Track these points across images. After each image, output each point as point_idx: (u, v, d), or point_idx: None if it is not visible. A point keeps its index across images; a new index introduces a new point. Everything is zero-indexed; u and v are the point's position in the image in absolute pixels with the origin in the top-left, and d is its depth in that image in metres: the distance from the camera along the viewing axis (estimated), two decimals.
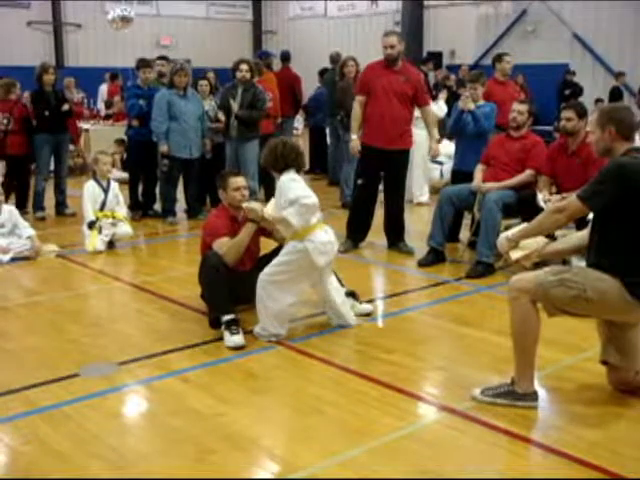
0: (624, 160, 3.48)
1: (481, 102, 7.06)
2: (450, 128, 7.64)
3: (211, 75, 9.66)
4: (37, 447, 3.30)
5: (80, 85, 14.85)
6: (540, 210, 5.80)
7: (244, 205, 4.86)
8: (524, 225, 4.02)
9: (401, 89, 6.66)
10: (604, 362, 3.81)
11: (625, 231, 3.44)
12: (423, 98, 6.91)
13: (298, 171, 4.65)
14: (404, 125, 6.79)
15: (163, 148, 8.08)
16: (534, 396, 3.64)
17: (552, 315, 3.59)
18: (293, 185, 4.50)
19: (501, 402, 3.64)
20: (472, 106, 6.93)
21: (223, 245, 4.81)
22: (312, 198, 4.47)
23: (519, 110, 6.41)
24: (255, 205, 4.84)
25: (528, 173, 6.31)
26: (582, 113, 5.93)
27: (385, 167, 6.87)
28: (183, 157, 8.19)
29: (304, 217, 4.44)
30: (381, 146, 6.68)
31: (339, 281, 4.93)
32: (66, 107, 8.60)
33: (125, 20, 15.35)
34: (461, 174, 7.02)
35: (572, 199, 3.57)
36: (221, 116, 8.41)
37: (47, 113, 8.42)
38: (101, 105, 16.31)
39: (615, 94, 15.06)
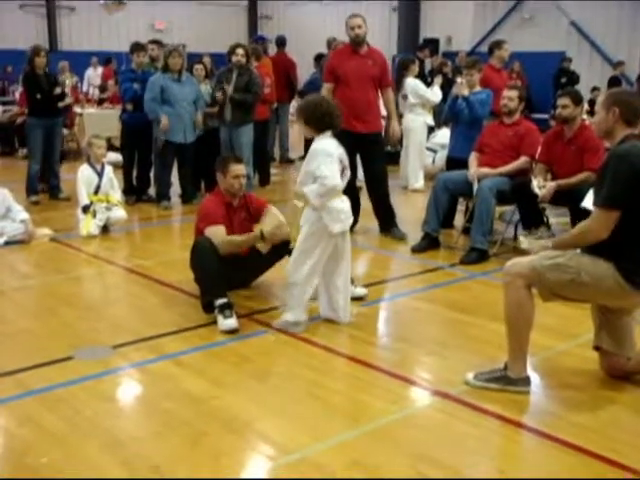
0: (624, 149, 3.44)
1: (477, 89, 7.04)
2: (445, 114, 7.64)
3: (207, 60, 9.62)
4: (32, 429, 3.30)
5: (73, 69, 14.77)
6: (534, 197, 5.83)
7: (277, 230, 4.75)
8: (560, 236, 3.93)
9: (371, 72, 6.73)
10: (597, 348, 3.83)
11: (621, 217, 3.44)
12: (386, 80, 6.94)
13: (335, 131, 4.49)
14: (376, 108, 6.91)
15: (164, 122, 7.99)
16: (527, 381, 3.66)
17: (547, 300, 3.60)
18: (325, 161, 4.31)
19: (494, 387, 3.66)
20: (466, 92, 6.91)
21: (218, 235, 4.75)
22: (335, 180, 4.31)
23: (509, 96, 6.41)
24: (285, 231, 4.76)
25: (523, 160, 6.31)
26: (578, 100, 5.92)
27: (362, 151, 6.85)
28: (178, 141, 8.16)
29: (322, 199, 4.32)
30: (357, 130, 6.66)
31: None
32: (58, 90, 8.55)
33: (118, 2, 15.21)
34: (455, 161, 7.01)
35: (596, 214, 3.44)
36: (220, 95, 8.29)
37: (39, 96, 8.38)
38: (89, 89, 16.24)
39: (613, 83, 15.00)
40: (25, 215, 6.80)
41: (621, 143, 3.50)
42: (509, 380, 3.64)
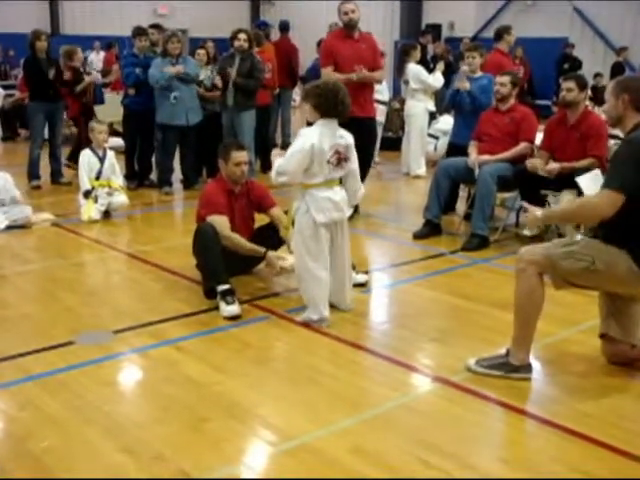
0: (635, 135, 3.43)
1: (479, 73, 7.00)
2: (447, 102, 7.61)
3: (210, 45, 9.57)
4: (33, 413, 3.30)
5: None
6: (537, 182, 5.81)
7: (278, 263, 4.77)
8: (563, 204, 3.87)
9: (365, 56, 6.79)
10: (602, 335, 3.81)
11: (635, 204, 3.41)
12: (377, 61, 7.01)
13: (340, 120, 4.35)
14: (370, 92, 7.01)
15: (178, 68, 7.97)
16: (529, 368, 3.65)
17: (559, 288, 3.59)
18: (299, 148, 4.19)
19: (495, 373, 3.65)
20: (467, 86, 6.87)
21: (223, 226, 4.72)
22: (289, 167, 4.20)
23: (501, 82, 6.38)
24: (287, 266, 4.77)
25: (523, 146, 6.29)
26: (583, 85, 5.88)
27: (357, 135, 6.82)
28: (180, 125, 8.13)
29: (277, 176, 4.28)
30: (355, 115, 6.62)
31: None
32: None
33: None
34: (457, 147, 6.98)
35: (606, 194, 3.37)
36: (218, 81, 8.34)
37: (53, 75, 8.36)
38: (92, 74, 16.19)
39: (617, 70, 14.89)
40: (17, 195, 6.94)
41: (633, 130, 3.47)
42: (511, 367, 3.63)
